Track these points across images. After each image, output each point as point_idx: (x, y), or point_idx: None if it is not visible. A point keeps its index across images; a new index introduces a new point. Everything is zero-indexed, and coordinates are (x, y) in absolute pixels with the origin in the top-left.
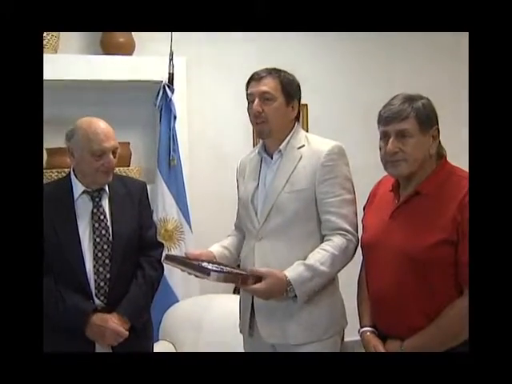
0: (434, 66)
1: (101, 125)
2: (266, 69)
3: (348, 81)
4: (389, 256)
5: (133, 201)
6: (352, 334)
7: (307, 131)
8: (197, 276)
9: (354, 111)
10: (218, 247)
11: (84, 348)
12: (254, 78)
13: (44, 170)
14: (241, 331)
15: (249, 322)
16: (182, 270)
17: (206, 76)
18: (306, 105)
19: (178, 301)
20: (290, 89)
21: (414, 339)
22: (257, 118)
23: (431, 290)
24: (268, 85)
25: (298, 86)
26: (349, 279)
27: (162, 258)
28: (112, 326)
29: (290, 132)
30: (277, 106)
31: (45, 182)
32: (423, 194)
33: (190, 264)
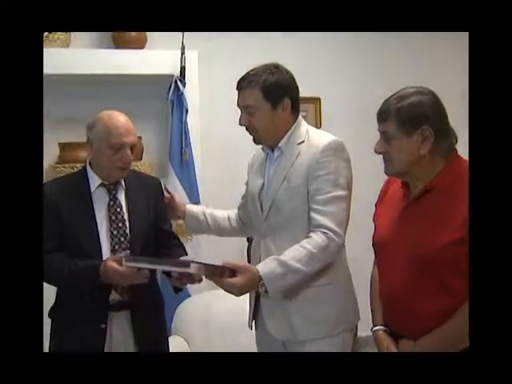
0: (453, 61)
1: (121, 119)
2: (247, 76)
3: (362, 74)
4: (400, 256)
5: (148, 195)
6: (366, 330)
7: (320, 125)
8: (167, 272)
9: (368, 105)
10: (198, 208)
11: (97, 330)
12: (238, 88)
13: (56, 165)
14: (250, 327)
15: (252, 317)
16: (150, 270)
17: (218, 69)
18: (319, 98)
19: (189, 296)
20: (274, 92)
21: (426, 339)
22: (246, 129)
23: (444, 290)
24: (248, 98)
25: (288, 84)
26: (363, 274)
27: (123, 260)
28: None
29: (289, 128)
30: (262, 116)
31: (57, 176)
32: (433, 191)
33: (162, 261)
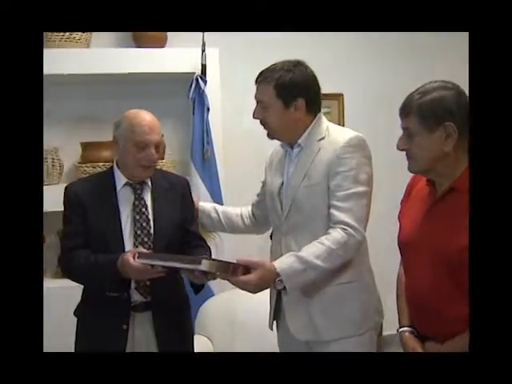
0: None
1: (147, 117)
2: (265, 71)
3: (386, 70)
4: (425, 256)
5: (176, 195)
6: (391, 328)
7: (343, 121)
8: (178, 269)
9: (391, 101)
10: (210, 205)
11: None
12: (256, 82)
13: (78, 164)
14: (271, 328)
15: (273, 317)
16: (163, 267)
17: (239, 67)
18: (342, 94)
19: (213, 295)
20: (287, 91)
21: (453, 342)
22: (260, 123)
23: (467, 293)
24: (262, 93)
25: (304, 83)
26: (387, 272)
27: (135, 256)
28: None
29: (307, 126)
30: (273, 112)
31: (79, 176)
32: (459, 190)
33: (175, 257)
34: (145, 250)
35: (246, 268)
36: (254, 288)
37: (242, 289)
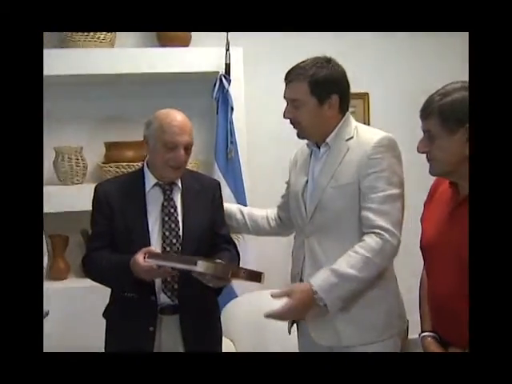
0: None
1: (178, 117)
2: (296, 68)
3: (412, 69)
4: (447, 260)
5: (206, 198)
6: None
7: (368, 120)
8: (178, 269)
9: (418, 100)
10: (235, 207)
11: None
12: (286, 80)
13: (102, 164)
14: (289, 332)
15: (292, 322)
16: (173, 269)
17: (263, 66)
18: (367, 93)
19: (236, 296)
20: (321, 88)
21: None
22: (291, 122)
23: None
24: (295, 91)
25: (337, 80)
26: (406, 276)
27: (145, 256)
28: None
29: (336, 124)
30: (307, 110)
31: (103, 176)
32: None
33: (175, 258)
34: (155, 250)
35: (250, 272)
36: (297, 314)
37: (286, 319)
